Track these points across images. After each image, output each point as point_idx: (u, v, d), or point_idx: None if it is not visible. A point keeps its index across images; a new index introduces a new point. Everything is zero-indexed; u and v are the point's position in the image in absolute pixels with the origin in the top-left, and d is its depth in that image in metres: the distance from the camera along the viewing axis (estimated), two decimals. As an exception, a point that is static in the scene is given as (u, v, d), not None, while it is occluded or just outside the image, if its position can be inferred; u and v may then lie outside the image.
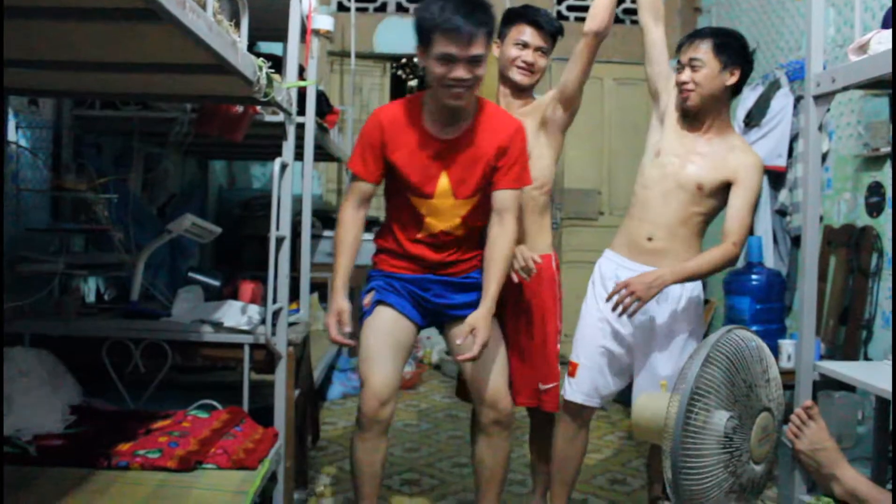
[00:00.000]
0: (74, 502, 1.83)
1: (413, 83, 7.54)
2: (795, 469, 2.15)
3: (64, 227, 2.72)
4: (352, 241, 2.36)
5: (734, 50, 2.41)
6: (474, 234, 2.44)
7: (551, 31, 2.58)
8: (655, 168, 2.49)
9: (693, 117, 2.47)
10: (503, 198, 2.34)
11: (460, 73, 2.17)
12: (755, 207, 2.48)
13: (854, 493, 1.94)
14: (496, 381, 2.39)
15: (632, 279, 2.31)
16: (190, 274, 2.87)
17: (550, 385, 2.56)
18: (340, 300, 2.30)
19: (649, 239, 2.45)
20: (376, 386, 2.29)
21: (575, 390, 2.52)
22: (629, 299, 2.29)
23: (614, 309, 2.32)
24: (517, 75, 2.58)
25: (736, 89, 2.46)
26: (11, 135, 2.52)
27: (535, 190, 2.55)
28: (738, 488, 1.82)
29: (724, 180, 2.40)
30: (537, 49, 2.57)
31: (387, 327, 2.37)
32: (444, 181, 2.32)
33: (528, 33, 2.55)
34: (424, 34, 2.19)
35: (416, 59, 7.74)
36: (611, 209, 5.74)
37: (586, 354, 2.53)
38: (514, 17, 2.61)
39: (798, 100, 3.89)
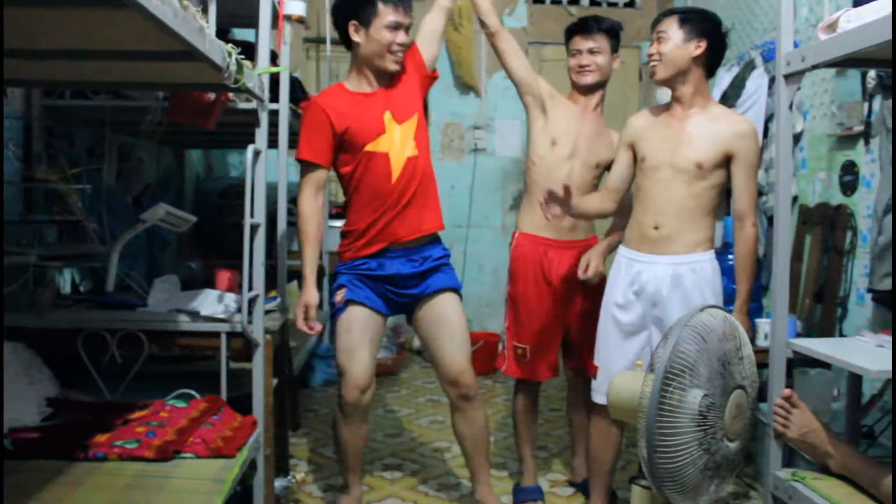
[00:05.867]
0: (51, 495, 1.81)
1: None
2: (771, 445, 2.19)
3: (36, 218, 2.69)
4: (315, 232, 2.56)
5: (699, 23, 2.43)
6: (427, 156, 2.63)
7: None
8: (648, 166, 2.48)
9: (672, 102, 2.48)
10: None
11: (402, 37, 2.51)
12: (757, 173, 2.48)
13: (846, 466, 2.00)
14: (457, 359, 2.58)
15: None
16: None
17: None
18: (310, 292, 2.52)
19: (655, 228, 2.44)
20: (356, 376, 2.54)
21: (597, 392, 2.55)
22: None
23: None
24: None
25: (709, 66, 2.46)
26: (-19, 126, 2.48)
27: (588, 173, 2.83)
28: (714, 465, 1.84)
29: (722, 155, 2.39)
30: None
31: (360, 322, 2.56)
32: (387, 115, 2.57)
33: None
34: (368, 8, 2.48)
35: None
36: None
37: (602, 357, 2.56)
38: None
39: (773, 80, 3.91)
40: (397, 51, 2.51)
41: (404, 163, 2.56)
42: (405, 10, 2.51)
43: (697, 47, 2.40)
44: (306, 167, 2.56)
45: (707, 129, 2.41)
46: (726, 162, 2.40)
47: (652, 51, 2.46)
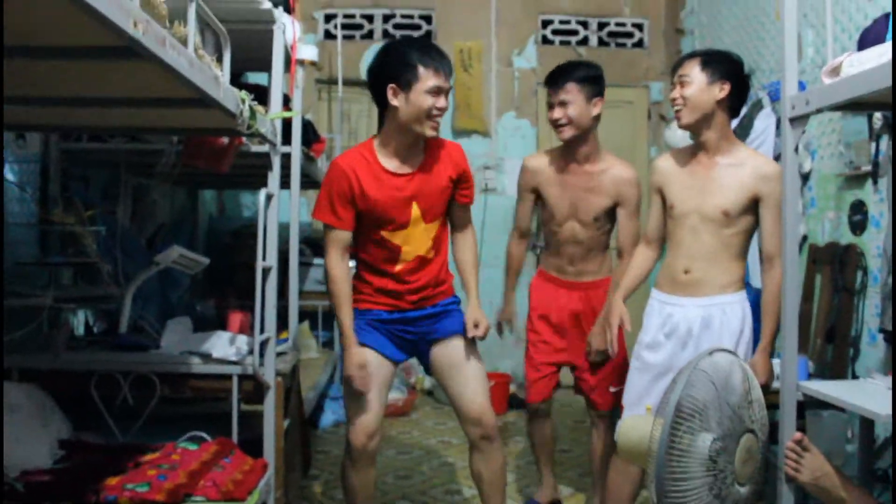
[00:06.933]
0: (62, 538, 1.82)
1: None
2: (783, 489, 2.16)
3: (52, 260, 2.73)
4: (348, 293, 2.52)
5: (721, 65, 2.42)
6: (443, 257, 2.63)
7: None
8: (677, 213, 2.49)
9: (697, 147, 2.47)
10: (464, 212, 2.66)
11: (443, 102, 2.42)
12: None
13: None
14: (478, 398, 2.57)
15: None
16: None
17: (619, 388, 2.76)
18: (358, 353, 2.47)
19: (686, 272, 2.46)
20: (364, 422, 2.50)
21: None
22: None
23: None
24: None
25: (733, 107, 2.47)
26: (-1, 169, 2.53)
27: (588, 229, 2.96)
28: (724, 510, 1.82)
29: (748, 200, 2.39)
30: None
31: (370, 367, 2.51)
32: (415, 210, 2.50)
33: None
34: (408, 72, 2.37)
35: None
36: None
37: (629, 398, 2.56)
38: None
39: (780, 120, 3.93)
40: (436, 115, 2.41)
41: (413, 258, 2.53)
42: (446, 75, 2.41)
43: (721, 90, 2.40)
44: (328, 227, 2.50)
45: (732, 175, 2.40)
46: (754, 206, 2.40)
47: (675, 95, 2.44)
